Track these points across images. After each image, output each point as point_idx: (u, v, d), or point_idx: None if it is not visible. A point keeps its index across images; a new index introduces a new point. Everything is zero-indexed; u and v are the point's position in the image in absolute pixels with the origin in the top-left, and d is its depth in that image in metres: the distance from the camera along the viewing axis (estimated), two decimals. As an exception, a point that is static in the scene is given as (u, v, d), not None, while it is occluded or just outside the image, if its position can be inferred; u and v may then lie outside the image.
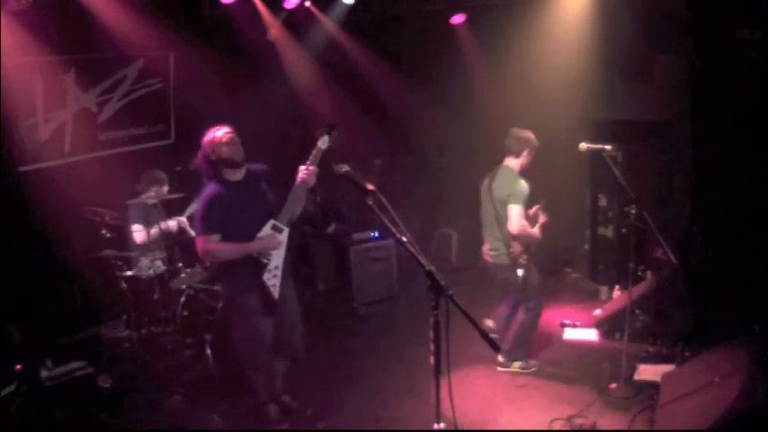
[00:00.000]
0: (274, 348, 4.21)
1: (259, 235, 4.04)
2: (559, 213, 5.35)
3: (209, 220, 3.96)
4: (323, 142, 3.98)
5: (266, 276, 4.05)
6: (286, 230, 4.10)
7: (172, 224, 5.47)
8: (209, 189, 4.01)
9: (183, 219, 5.54)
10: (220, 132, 4.00)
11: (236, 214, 3.98)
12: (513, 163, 4.84)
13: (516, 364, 5.07)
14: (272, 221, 4.07)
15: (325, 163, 3.93)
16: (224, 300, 4.83)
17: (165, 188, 5.41)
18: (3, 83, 4.93)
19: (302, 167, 4.02)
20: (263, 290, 4.05)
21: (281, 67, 7.08)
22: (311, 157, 4.00)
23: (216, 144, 3.96)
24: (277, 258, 4.09)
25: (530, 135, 4.84)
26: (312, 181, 4.05)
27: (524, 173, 4.86)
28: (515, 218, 4.66)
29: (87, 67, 5.74)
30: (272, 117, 6.82)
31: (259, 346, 4.13)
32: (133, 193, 5.31)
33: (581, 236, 6.96)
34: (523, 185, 4.73)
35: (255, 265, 4.03)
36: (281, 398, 4.44)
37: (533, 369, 5.05)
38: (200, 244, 3.98)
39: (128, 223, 5.31)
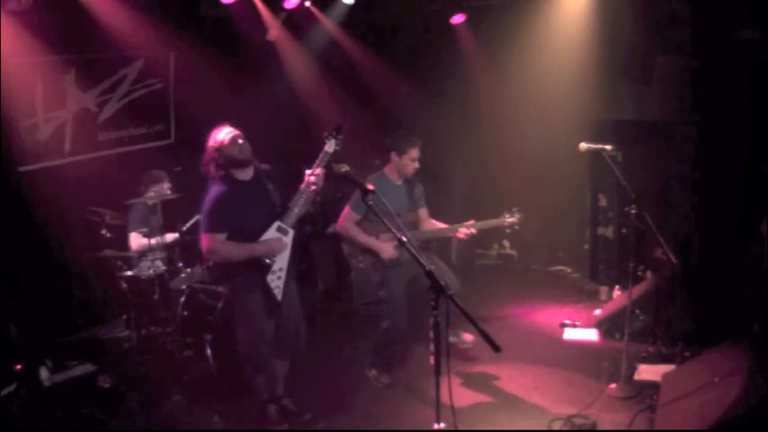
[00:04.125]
0: (276, 350, 4.20)
1: (264, 237, 4.02)
2: (559, 213, 5.35)
3: (217, 219, 3.94)
4: (329, 146, 4.00)
5: (270, 278, 4.03)
6: (291, 232, 4.09)
7: (169, 237, 5.29)
8: (217, 188, 3.99)
9: (177, 236, 5.33)
10: (225, 134, 3.99)
11: (242, 213, 3.97)
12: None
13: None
14: (277, 223, 4.06)
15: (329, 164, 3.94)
16: (227, 299, 4.83)
17: (166, 184, 5.39)
18: (3, 83, 4.91)
19: (308, 171, 4.02)
20: (267, 291, 4.03)
21: (281, 67, 7.08)
22: (318, 161, 4.01)
23: (223, 147, 3.96)
24: (282, 260, 4.07)
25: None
26: (320, 183, 4.04)
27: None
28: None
29: (87, 67, 5.73)
30: (272, 117, 6.82)
31: (261, 346, 4.13)
32: (134, 193, 5.29)
33: (581, 236, 6.96)
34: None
35: (260, 265, 4.01)
36: (282, 401, 4.43)
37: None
38: (205, 242, 3.96)
39: (128, 228, 5.29)
